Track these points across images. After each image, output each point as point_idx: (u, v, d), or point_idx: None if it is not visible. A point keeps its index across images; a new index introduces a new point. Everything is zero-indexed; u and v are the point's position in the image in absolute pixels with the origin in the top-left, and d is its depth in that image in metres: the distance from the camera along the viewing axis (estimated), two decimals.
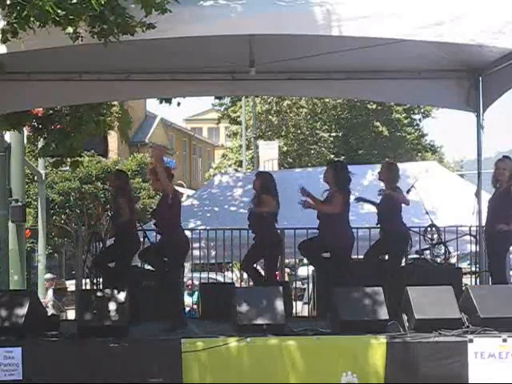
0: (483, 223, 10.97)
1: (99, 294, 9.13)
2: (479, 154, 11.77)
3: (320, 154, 35.66)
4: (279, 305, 9.04)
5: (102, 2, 7.15)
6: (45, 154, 15.68)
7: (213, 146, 59.15)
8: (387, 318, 8.84)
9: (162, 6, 7.46)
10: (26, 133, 15.98)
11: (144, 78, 11.45)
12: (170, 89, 12.00)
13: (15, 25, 7.23)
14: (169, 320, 9.60)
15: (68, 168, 21.24)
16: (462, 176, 26.77)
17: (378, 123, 37.17)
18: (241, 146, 35.19)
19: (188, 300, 16.46)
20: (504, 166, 10.49)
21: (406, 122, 39.13)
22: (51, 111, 13.86)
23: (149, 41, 8.14)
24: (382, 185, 11.38)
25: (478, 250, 11.53)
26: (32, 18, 7.17)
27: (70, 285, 21.20)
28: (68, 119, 13.84)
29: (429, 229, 11.74)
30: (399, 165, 17.13)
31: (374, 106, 36.36)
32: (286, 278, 14.97)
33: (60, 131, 13.87)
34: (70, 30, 7.27)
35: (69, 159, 15.88)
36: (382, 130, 37.17)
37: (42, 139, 14.63)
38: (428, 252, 11.73)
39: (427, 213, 11.79)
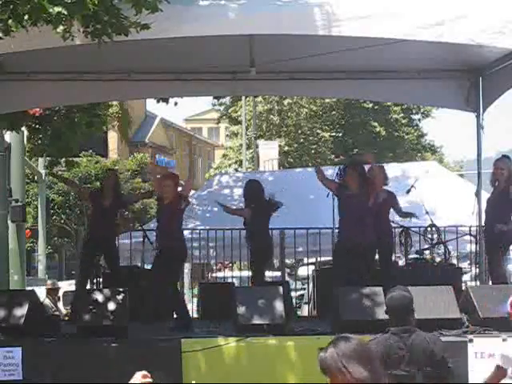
0: (483, 223, 10.97)
1: (99, 294, 9.13)
2: (479, 154, 11.76)
3: (320, 153, 35.68)
4: (279, 305, 9.04)
5: (96, 2, 7.12)
6: (37, 154, 15.73)
7: (213, 146, 59.15)
8: (387, 317, 8.83)
9: (153, 5, 7.42)
10: (26, 133, 16.01)
11: (144, 78, 11.44)
12: (170, 89, 12.00)
13: (9, 22, 7.20)
14: (173, 319, 9.64)
15: (64, 168, 21.32)
16: (461, 176, 26.78)
17: (375, 123, 37.20)
18: (241, 145, 35.20)
19: None
20: (502, 166, 10.48)
21: (404, 122, 39.18)
22: (48, 111, 13.88)
23: (148, 41, 8.14)
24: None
25: (478, 249, 11.53)
26: (26, 17, 7.15)
27: (70, 285, 21.18)
28: (60, 120, 13.88)
29: (429, 229, 11.74)
30: (399, 165, 17.24)
31: (371, 106, 36.38)
32: (287, 278, 14.98)
33: (53, 132, 13.91)
34: (61, 28, 7.23)
35: (64, 159, 15.94)
36: (380, 130, 37.21)
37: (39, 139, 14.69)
38: (428, 252, 11.73)
39: (427, 213, 11.79)
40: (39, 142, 14.56)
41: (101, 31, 7.46)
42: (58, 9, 7.01)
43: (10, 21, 7.17)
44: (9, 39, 7.46)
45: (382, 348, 6.03)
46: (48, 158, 17.76)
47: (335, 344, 3.95)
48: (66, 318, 11.84)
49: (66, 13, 7.06)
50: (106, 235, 10.97)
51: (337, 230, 10.54)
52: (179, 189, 10.32)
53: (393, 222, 11.70)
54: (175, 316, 9.99)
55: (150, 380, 4.36)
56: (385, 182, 11.21)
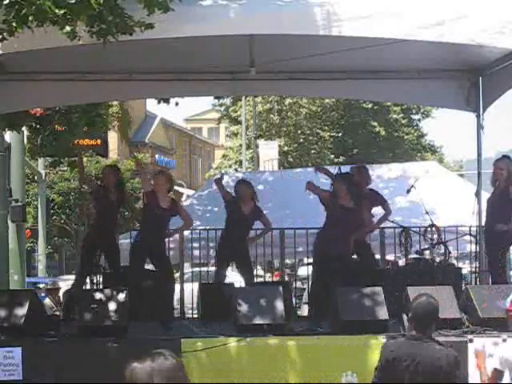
0: (483, 223, 10.98)
1: (99, 293, 9.13)
2: (479, 154, 11.77)
3: (320, 153, 35.70)
4: (279, 305, 9.04)
5: (101, 2, 7.14)
6: (37, 154, 15.76)
7: (213, 146, 59.17)
8: (387, 318, 8.84)
9: (165, 5, 7.45)
10: (26, 133, 16.03)
11: (144, 78, 11.44)
12: (170, 89, 12.00)
13: (13, 23, 7.22)
14: (160, 319, 9.67)
15: (66, 168, 21.37)
16: (461, 176, 26.80)
17: (375, 123, 37.21)
18: (241, 145, 35.21)
19: None
20: (502, 166, 10.49)
21: (403, 122, 39.19)
22: (49, 111, 13.91)
23: (149, 41, 8.14)
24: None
25: (478, 249, 11.52)
26: (30, 18, 7.16)
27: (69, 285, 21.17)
28: (60, 120, 13.93)
29: (429, 229, 11.73)
30: (399, 165, 17.24)
31: (370, 106, 36.38)
32: (286, 278, 14.98)
33: (51, 132, 13.95)
34: (67, 29, 7.26)
35: (67, 159, 15.97)
36: (379, 131, 37.21)
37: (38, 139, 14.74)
38: (428, 252, 11.72)
39: (427, 213, 11.78)
40: (39, 142, 14.60)
41: (106, 31, 7.47)
42: (62, 10, 7.02)
43: (14, 23, 7.17)
44: (12, 39, 7.47)
45: (390, 353, 6.05)
46: (49, 158, 17.80)
47: (153, 359, 3.86)
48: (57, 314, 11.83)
49: (71, 14, 7.07)
50: (106, 233, 10.91)
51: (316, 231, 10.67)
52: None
53: (392, 221, 11.71)
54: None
55: None
56: (367, 182, 11.28)
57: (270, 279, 16.67)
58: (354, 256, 11.17)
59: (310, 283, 11.31)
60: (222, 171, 33.95)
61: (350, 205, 10.14)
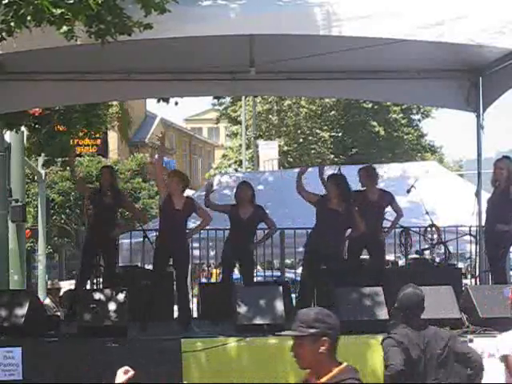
0: (483, 223, 10.98)
1: (99, 294, 9.13)
2: (479, 154, 11.78)
3: (320, 153, 35.69)
4: (279, 305, 9.04)
5: (99, 2, 7.13)
6: (35, 153, 15.79)
7: (213, 146, 59.18)
8: (387, 318, 8.83)
9: (161, 6, 7.45)
10: (26, 133, 16.03)
11: (144, 78, 11.44)
12: (170, 89, 12.00)
13: (12, 23, 7.21)
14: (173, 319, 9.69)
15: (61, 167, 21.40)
16: (461, 176, 26.78)
17: (375, 123, 37.19)
18: (241, 145, 35.21)
19: None
20: (502, 166, 10.50)
21: (403, 122, 39.18)
22: (48, 111, 13.93)
23: (149, 41, 8.14)
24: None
25: (477, 249, 11.53)
26: (28, 18, 7.15)
27: (71, 285, 21.18)
28: (57, 120, 13.96)
29: (429, 229, 11.73)
30: (399, 165, 17.25)
31: (370, 106, 36.36)
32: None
33: (48, 131, 13.97)
34: (64, 29, 7.24)
35: (60, 158, 16.02)
36: (379, 130, 37.20)
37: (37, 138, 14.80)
38: (428, 252, 11.73)
39: (427, 213, 11.78)
40: (38, 140, 14.64)
41: (104, 31, 7.46)
42: (60, 10, 7.01)
43: (12, 23, 7.16)
44: (11, 39, 7.46)
45: (406, 341, 6.16)
46: (45, 158, 17.81)
47: None
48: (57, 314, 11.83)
49: (69, 14, 7.06)
50: (106, 233, 10.92)
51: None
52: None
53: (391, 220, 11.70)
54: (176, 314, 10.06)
55: (132, 372, 4.45)
56: (376, 182, 11.29)
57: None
58: (365, 256, 11.22)
59: (300, 282, 11.33)
60: (222, 171, 33.98)
61: (339, 208, 10.19)
